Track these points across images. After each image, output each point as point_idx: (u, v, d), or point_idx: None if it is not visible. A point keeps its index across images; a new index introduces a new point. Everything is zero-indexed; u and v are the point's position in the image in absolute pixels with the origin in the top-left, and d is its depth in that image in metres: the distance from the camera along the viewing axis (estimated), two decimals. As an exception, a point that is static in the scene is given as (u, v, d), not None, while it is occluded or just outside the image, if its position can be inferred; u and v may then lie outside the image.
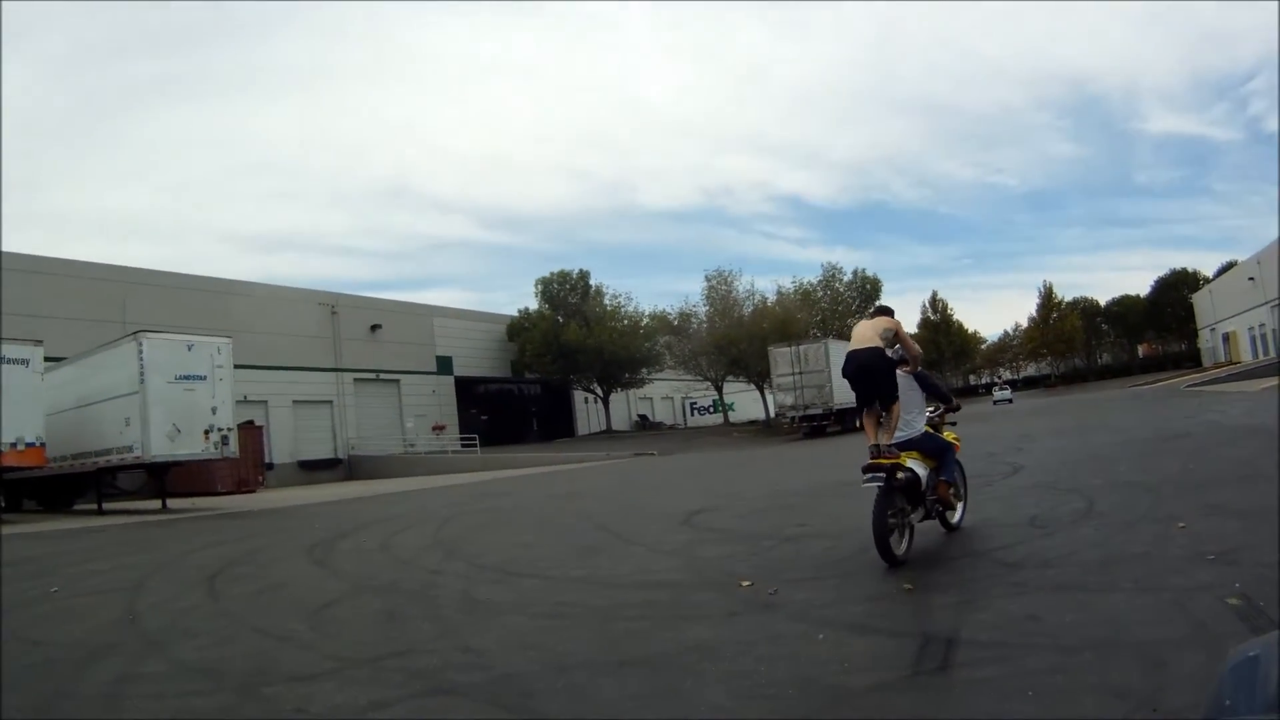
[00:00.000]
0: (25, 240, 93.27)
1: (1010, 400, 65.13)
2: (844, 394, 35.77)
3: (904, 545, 7.21)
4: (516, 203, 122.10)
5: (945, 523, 8.15)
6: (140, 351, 21.79)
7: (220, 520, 18.96)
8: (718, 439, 42.14)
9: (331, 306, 45.76)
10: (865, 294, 54.17)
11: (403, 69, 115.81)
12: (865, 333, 7.84)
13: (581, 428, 57.44)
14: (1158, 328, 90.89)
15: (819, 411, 36.07)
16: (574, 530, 11.71)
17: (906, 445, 7.66)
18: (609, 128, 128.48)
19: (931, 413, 8.25)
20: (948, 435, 8.29)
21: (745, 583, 6.71)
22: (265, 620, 6.87)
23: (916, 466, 7.58)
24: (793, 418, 37.15)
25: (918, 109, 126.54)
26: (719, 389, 50.98)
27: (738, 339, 43.54)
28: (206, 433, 23.22)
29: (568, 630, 5.80)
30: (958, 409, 8.58)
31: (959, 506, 8.37)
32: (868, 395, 7.73)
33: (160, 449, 21.78)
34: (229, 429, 24.12)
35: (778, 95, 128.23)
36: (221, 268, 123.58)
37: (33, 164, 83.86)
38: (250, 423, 36.86)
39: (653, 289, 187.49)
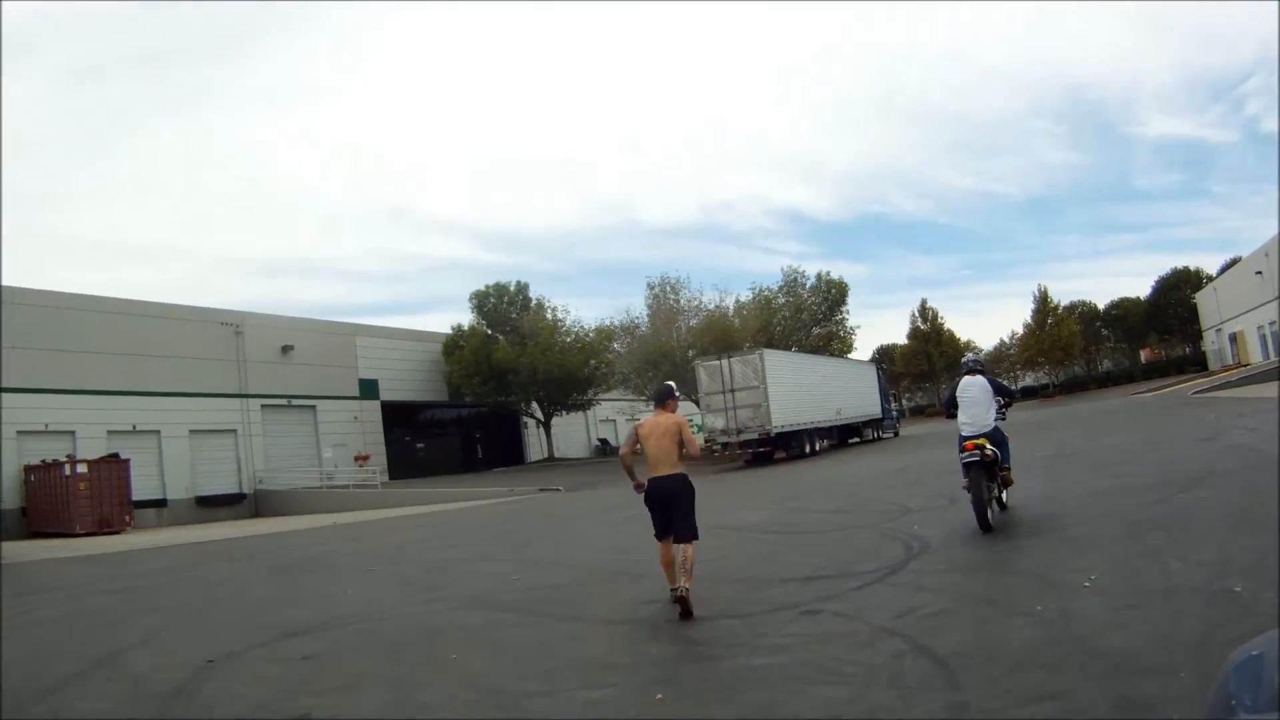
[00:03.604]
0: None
1: (1003, 415, 58.37)
2: (786, 415, 29.79)
3: (992, 514, 9.31)
4: (514, 223, 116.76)
5: (1000, 502, 9.93)
6: None
7: None
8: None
9: (236, 326, 40.44)
10: (831, 300, 47.79)
11: (401, 87, 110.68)
12: (664, 447, 7.70)
13: (536, 453, 51.19)
14: (1160, 331, 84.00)
15: (754, 436, 29.85)
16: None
17: (983, 434, 9.44)
18: (608, 144, 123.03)
19: (1000, 409, 10.06)
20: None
21: None
22: None
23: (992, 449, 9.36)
24: (725, 444, 30.98)
25: (916, 118, 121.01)
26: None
27: (671, 352, 37.27)
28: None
29: None
30: (1012, 402, 10.89)
31: (1006, 491, 10.14)
32: (666, 526, 7.59)
33: None
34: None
35: (775, 108, 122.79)
36: (215, 295, 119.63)
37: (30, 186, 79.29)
38: (114, 456, 32.26)
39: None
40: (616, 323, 42.96)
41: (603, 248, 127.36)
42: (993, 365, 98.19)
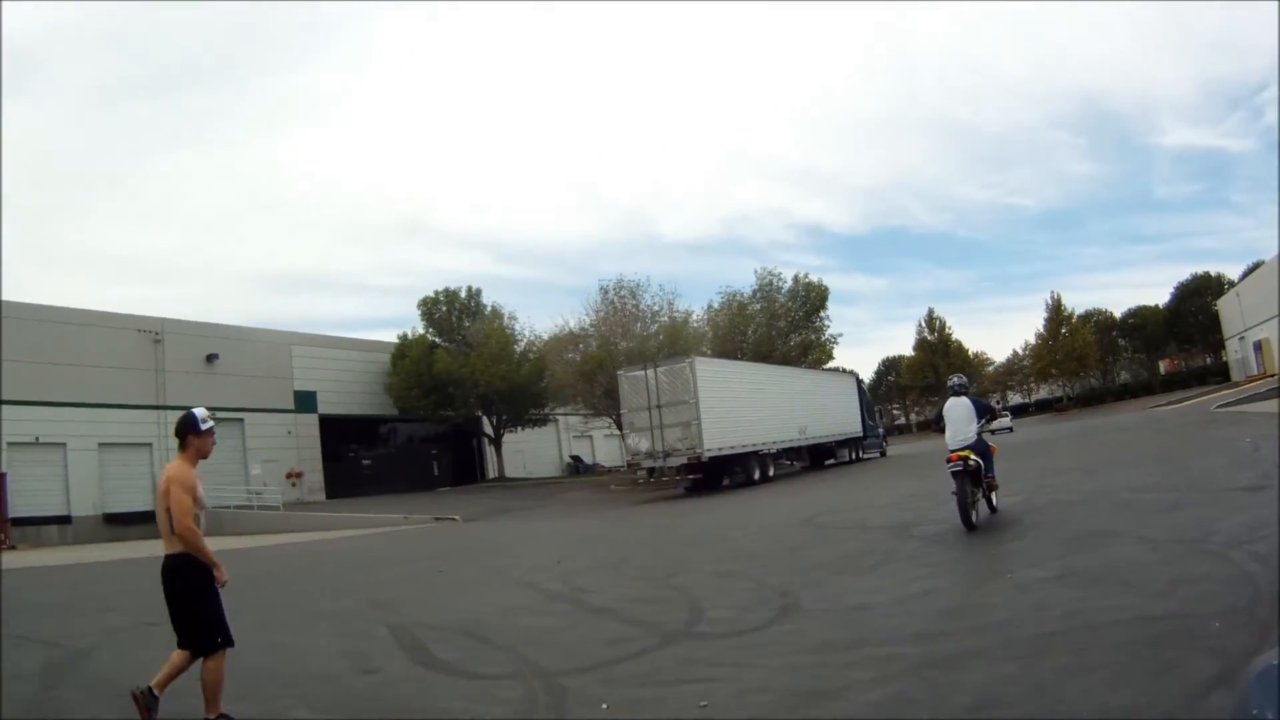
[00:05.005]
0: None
1: (1010, 429, 52.02)
2: (723, 435, 23.75)
3: (975, 515, 9.65)
4: (536, 236, 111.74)
5: (990, 505, 10.45)
6: None
7: None
8: (582, 494, 30.16)
9: (154, 334, 35.29)
10: (810, 304, 41.32)
11: (418, 104, 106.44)
12: (161, 510, 4.95)
13: (506, 469, 44.85)
14: (1180, 340, 76.15)
15: (683, 461, 23.71)
16: None
17: (966, 446, 9.80)
18: (628, 159, 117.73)
19: (981, 425, 10.26)
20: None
21: None
22: None
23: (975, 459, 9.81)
24: (651, 470, 24.91)
25: (934, 131, 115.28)
26: (620, 426, 38.36)
27: (607, 362, 30.98)
28: None
29: None
30: (994, 419, 12.36)
31: (994, 495, 10.55)
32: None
33: None
34: None
35: (794, 122, 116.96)
36: (234, 308, 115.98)
37: (45, 206, 76.04)
38: (-16, 470, 27.85)
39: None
40: (570, 329, 36.55)
41: (623, 261, 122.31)
42: (1005, 378, 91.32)
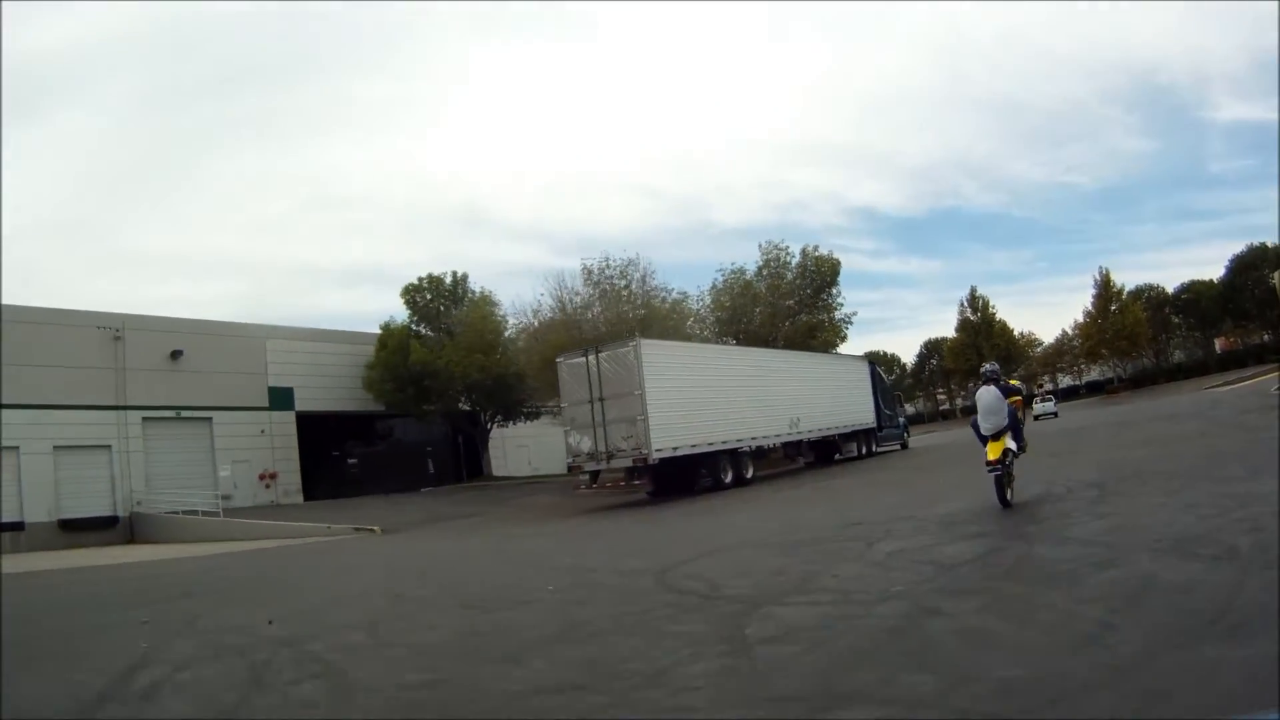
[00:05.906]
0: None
1: (1055, 414, 47.29)
2: (677, 432, 19.33)
3: (1009, 494, 9.82)
4: (589, 226, 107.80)
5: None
6: None
7: None
8: (544, 497, 25.95)
9: (114, 331, 32.06)
10: (819, 280, 36.41)
11: (470, 98, 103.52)
12: None
13: (502, 468, 41.04)
14: (1236, 316, 68.83)
15: (628, 463, 19.29)
16: None
17: (1001, 431, 9.86)
18: (679, 146, 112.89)
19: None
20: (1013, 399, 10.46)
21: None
22: None
23: (1008, 442, 9.86)
24: (593, 474, 20.57)
25: (985, 109, 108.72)
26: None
27: (569, 346, 26.46)
28: None
29: None
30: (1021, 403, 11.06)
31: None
32: None
33: None
34: None
35: (844, 104, 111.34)
36: (286, 308, 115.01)
37: (107, 209, 75.00)
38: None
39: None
40: (546, 312, 32.14)
41: (676, 250, 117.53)
42: (1054, 359, 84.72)
